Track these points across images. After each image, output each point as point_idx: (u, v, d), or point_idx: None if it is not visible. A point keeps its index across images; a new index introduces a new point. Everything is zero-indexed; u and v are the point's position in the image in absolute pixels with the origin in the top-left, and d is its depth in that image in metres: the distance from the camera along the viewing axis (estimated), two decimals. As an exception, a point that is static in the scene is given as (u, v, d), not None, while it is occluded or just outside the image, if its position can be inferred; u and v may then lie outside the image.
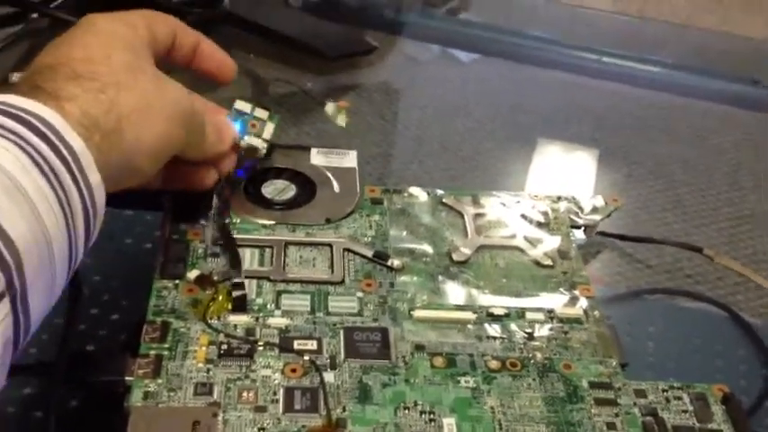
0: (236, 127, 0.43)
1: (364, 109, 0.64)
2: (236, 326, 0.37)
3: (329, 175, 0.47)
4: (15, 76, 0.54)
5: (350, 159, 0.48)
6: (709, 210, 0.56)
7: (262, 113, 0.44)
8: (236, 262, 0.39)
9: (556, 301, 0.41)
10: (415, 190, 0.47)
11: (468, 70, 0.74)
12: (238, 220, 0.43)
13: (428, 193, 0.47)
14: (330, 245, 0.42)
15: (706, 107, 0.70)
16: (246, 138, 0.43)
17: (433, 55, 0.75)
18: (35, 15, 0.62)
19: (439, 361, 0.36)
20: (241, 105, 0.44)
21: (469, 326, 0.39)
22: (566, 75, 0.73)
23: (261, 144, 0.44)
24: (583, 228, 0.47)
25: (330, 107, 0.48)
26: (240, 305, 0.38)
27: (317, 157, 0.48)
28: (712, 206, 0.57)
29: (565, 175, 0.60)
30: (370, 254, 0.42)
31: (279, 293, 0.39)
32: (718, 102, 0.71)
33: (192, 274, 0.39)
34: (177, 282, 0.39)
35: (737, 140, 0.65)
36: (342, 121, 0.48)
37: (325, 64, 0.66)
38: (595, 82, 0.72)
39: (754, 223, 0.55)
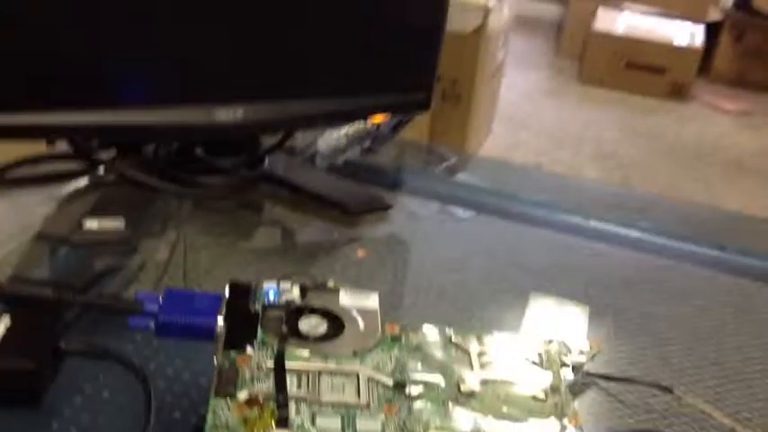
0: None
1: (373, 258, 0.72)
2: (278, 440, 0.44)
3: (355, 314, 0.55)
4: (88, 223, 0.64)
5: (373, 300, 0.56)
6: (693, 368, 0.62)
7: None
8: (282, 386, 0.47)
9: (548, 429, 0.48)
10: (428, 328, 0.55)
11: (464, 226, 0.81)
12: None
13: (439, 332, 0.55)
14: (357, 374, 0.50)
15: (689, 270, 0.77)
16: None
17: (432, 211, 0.84)
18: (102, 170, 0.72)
19: (450, 474, 0.43)
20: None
21: (475, 447, 0.45)
22: (557, 235, 0.81)
23: None
24: (571, 366, 0.54)
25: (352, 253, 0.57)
26: (283, 423, 0.45)
27: (345, 298, 0.56)
28: (697, 364, 0.62)
29: (556, 326, 0.66)
30: (390, 383, 0.49)
31: (314, 414, 0.46)
32: (699, 266, 0.77)
33: (242, 395, 0.46)
34: (230, 401, 0.46)
35: (722, 302, 0.71)
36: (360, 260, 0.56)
37: (346, 217, 0.76)
38: (585, 242, 0.80)
39: (737, 383, 0.60)
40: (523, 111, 2.85)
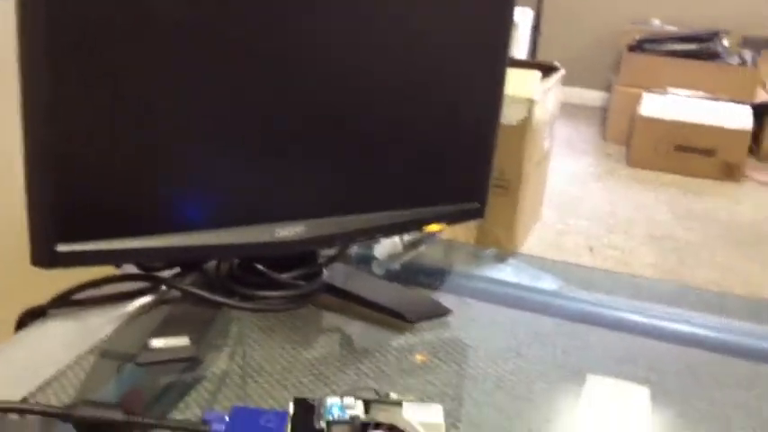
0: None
1: (433, 362, 0.72)
2: None
3: (420, 429, 0.54)
4: (154, 342, 0.65)
5: (436, 413, 0.56)
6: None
7: None
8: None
9: None
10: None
11: (519, 321, 0.81)
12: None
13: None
14: (425, 494, 0.49)
15: (755, 368, 0.75)
16: None
17: (488, 312, 0.83)
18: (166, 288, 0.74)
19: None
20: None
21: None
22: (617, 333, 0.80)
23: None
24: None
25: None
26: None
27: (409, 411, 0.56)
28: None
29: (617, 416, 0.65)
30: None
31: None
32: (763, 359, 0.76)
33: None
34: None
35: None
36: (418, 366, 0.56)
37: (405, 324, 0.76)
38: (642, 339, 0.79)
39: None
40: (572, 196, 2.85)
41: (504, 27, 0.75)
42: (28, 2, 0.56)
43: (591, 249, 2.44)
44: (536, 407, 0.65)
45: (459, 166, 0.76)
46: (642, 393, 0.66)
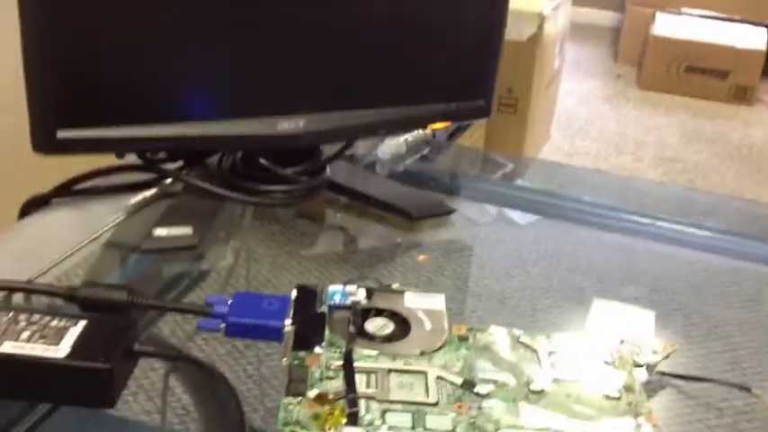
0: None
1: (434, 263, 0.72)
2: (349, 437, 0.44)
3: (421, 315, 0.55)
4: (158, 231, 0.65)
5: (439, 301, 0.56)
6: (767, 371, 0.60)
7: None
8: (351, 384, 0.47)
9: (623, 427, 0.47)
10: (495, 329, 0.54)
11: (524, 231, 0.81)
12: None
13: (507, 332, 0.54)
14: (425, 373, 0.49)
15: (759, 271, 0.75)
16: None
17: (492, 216, 0.83)
18: (170, 180, 0.73)
19: (523, 472, 0.42)
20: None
21: (548, 445, 0.45)
22: (620, 237, 0.80)
23: None
24: (645, 366, 0.53)
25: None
26: (353, 419, 0.45)
27: (411, 299, 0.56)
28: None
29: (622, 333, 0.65)
30: (459, 381, 0.49)
31: (384, 412, 0.46)
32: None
33: (312, 393, 0.46)
34: (300, 399, 0.46)
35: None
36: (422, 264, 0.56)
37: (407, 223, 0.76)
38: (649, 245, 0.79)
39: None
40: (582, 117, 2.82)
41: None
42: None
43: (599, 171, 2.42)
44: (538, 320, 0.65)
45: (465, 61, 0.75)
46: (648, 317, 0.66)
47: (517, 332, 0.54)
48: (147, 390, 0.53)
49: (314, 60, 0.69)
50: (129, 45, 0.62)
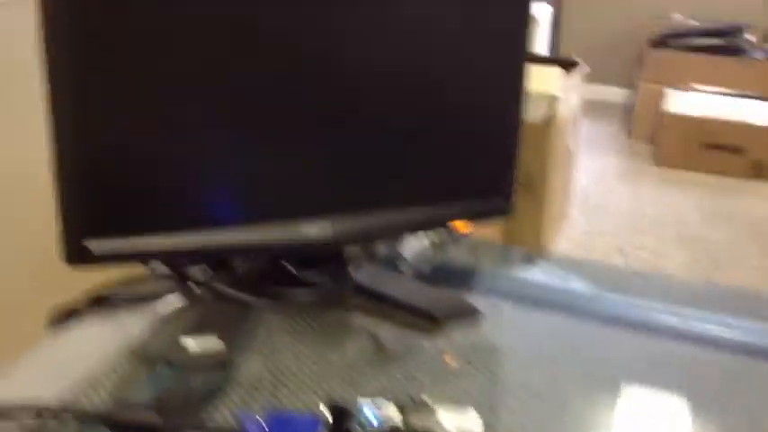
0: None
1: (464, 364, 0.71)
2: None
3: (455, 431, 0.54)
4: (186, 342, 0.65)
5: (473, 420, 0.55)
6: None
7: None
8: None
9: None
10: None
11: (549, 327, 0.79)
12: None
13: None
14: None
15: None
16: None
17: (519, 312, 0.82)
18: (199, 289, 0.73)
19: None
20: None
21: None
22: (647, 332, 0.78)
23: None
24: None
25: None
26: None
27: (445, 418, 0.55)
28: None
29: (656, 424, 0.64)
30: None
31: None
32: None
33: None
34: None
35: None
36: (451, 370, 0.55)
37: (434, 324, 0.75)
38: (679, 341, 0.77)
39: None
40: (599, 195, 2.82)
41: (522, 21, 0.74)
42: (51, 10, 0.57)
43: (621, 251, 2.41)
44: (572, 416, 0.64)
45: (484, 162, 0.75)
46: (678, 403, 0.65)
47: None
48: None
49: (337, 164, 0.70)
50: (156, 155, 0.63)
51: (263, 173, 0.67)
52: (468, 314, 0.77)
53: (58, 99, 0.59)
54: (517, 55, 0.74)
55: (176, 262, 0.72)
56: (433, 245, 0.89)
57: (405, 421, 0.53)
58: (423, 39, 0.70)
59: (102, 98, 0.60)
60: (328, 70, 0.67)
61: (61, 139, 0.59)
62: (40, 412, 0.53)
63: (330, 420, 0.53)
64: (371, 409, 0.54)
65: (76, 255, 0.62)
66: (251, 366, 0.67)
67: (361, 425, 0.53)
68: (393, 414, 0.54)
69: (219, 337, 0.67)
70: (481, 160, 0.76)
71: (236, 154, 0.66)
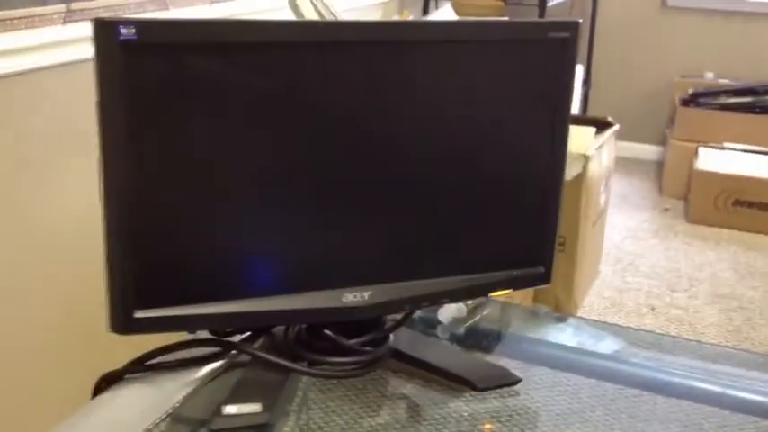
0: None
1: (503, 428, 0.71)
2: None
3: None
4: (227, 408, 0.66)
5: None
6: None
7: None
8: None
9: None
10: None
11: (585, 387, 0.79)
12: None
13: None
14: None
15: None
16: None
17: (555, 378, 0.82)
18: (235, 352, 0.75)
19: None
20: None
21: None
22: (677, 399, 0.78)
23: None
24: None
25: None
26: None
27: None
28: None
29: None
30: None
31: None
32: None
33: None
34: None
35: None
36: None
37: (472, 390, 0.75)
38: (709, 407, 0.76)
39: None
40: (631, 253, 2.80)
41: (566, 88, 0.75)
42: (107, 81, 0.59)
43: (653, 309, 2.38)
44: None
45: (524, 230, 0.77)
46: None
47: None
48: None
49: (379, 233, 0.71)
50: (203, 227, 0.65)
51: (308, 244, 0.69)
52: (508, 383, 0.77)
53: (111, 168, 0.61)
54: (559, 123, 0.76)
55: (220, 329, 0.73)
56: (469, 310, 0.90)
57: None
58: (463, 108, 0.72)
59: (154, 168, 0.62)
60: (375, 143, 0.69)
61: (113, 209, 0.62)
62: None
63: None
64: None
65: (125, 324, 0.63)
66: (291, 430, 0.68)
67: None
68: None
69: (260, 403, 0.68)
70: (521, 230, 0.77)
71: (279, 227, 0.68)
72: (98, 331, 0.64)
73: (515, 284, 0.78)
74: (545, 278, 0.78)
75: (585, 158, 2.16)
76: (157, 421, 0.66)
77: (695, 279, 2.63)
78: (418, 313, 0.89)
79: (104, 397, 0.70)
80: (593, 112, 3.69)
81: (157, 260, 0.64)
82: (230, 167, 0.65)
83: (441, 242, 0.74)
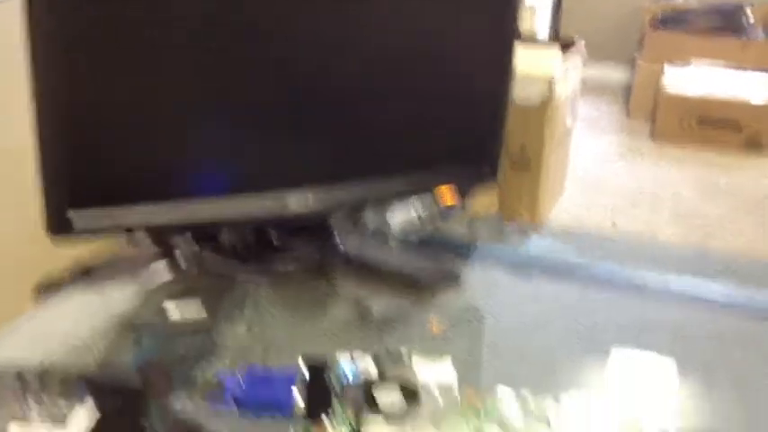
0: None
1: (449, 329, 0.71)
2: None
3: (431, 385, 0.55)
4: (170, 312, 0.66)
5: (448, 370, 0.56)
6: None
7: None
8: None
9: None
10: (504, 392, 0.54)
11: (539, 294, 0.80)
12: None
13: (516, 397, 0.54)
14: (435, 445, 0.49)
15: None
16: None
17: (507, 280, 0.83)
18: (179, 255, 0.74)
19: None
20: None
21: None
22: (638, 297, 0.79)
23: None
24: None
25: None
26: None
27: (420, 368, 0.56)
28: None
29: (642, 387, 0.65)
30: (469, 453, 0.49)
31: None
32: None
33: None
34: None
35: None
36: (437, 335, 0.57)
37: (419, 291, 0.76)
38: (668, 304, 0.77)
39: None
40: (596, 173, 2.82)
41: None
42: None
43: (614, 224, 2.41)
44: (556, 376, 0.64)
45: (469, 128, 0.76)
46: (668, 365, 0.65)
47: (525, 393, 0.54)
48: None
49: (321, 135, 0.71)
50: (140, 124, 0.64)
51: (247, 144, 0.68)
52: (452, 280, 0.78)
53: (40, 68, 0.59)
54: (505, 19, 0.74)
55: (160, 233, 0.72)
56: (420, 216, 0.90)
57: (379, 372, 0.54)
58: (406, 8, 0.70)
59: (85, 67, 0.61)
60: (313, 41, 0.68)
61: (43, 110, 0.60)
62: (21, 375, 0.54)
63: (306, 374, 0.54)
64: (348, 364, 0.55)
65: (59, 226, 0.63)
66: (235, 334, 0.68)
67: (337, 378, 0.54)
68: (369, 367, 0.54)
69: (204, 307, 0.68)
70: (466, 128, 0.76)
71: (219, 125, 0.67)
72: (43, 238, 0.63)
73: (460, 181, 0.78)
74: (491, 176, 0.77)
75: (551, 81, 2.15)
76: (100, 325, 0.66)
77: (658, 197, 2.66)
78: (370, 223, 0.88)
79: (46, 303, 0.69)
80: (564, 36, 3.65)
81: (90, 160, 0.63)
82: (165, 66, 0.63)
83: (384, 142, 0.73)
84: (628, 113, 3.46)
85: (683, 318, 0.75)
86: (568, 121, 2.40)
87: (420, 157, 0.75)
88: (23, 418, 0.46)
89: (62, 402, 0.49)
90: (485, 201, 1.00)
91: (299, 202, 0.70)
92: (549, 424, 0.52)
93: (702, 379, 0.64)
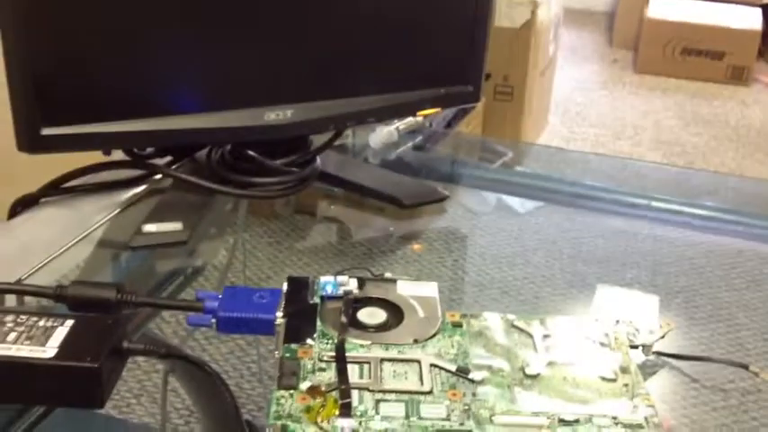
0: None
1: (431, 253, 0.71)
2: (342, 428, 0.43)
3: (414, 302, 0.54)
4: (147, 227, 0.64)
5: (431, 289, 0.55)
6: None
7: None
8: (344, 375, 0.46)
9: (620, 409, 0.46)
10: (489, 315, 0.54)
11: (524, 219, 0.80)
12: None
13: (501, 318, 0.53)
14: (419, 361, 0.49)
15: (761, 250, 0.74)
16: None
17: (490, 203, 0.83)
18: (159, 176, 0.72)
19: (519, 457, 0.42)
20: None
21: (543, 430, 0.44)
22: (621, 221, 0.79)
23: None
24: (640, 347, 0.52)
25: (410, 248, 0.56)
26: (346, 411, 0.44)
27: (403, 287, 0.55)
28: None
29: (624, 316, 0.64)
30: (453, 368, 0.48)
31: (377, 402, 0.45)
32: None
33: (305, 386, 0.46)
34: (292, 392, 0.45)
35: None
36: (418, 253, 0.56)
37: (401, 212, 0.75)
38: (651, 227, 0.77)
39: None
40: (579, 103, 2.81)
41: None
42: None
43: (596, 155, 2.42)
44: (536, 294, 0.64)
45: (452, 47, 0.74)
46: (651, 300, 0.65)
47: (511, 317, 0.54)
48: (150, 392, 0.52)
49: (300, 50, 0.68)
50: (113, 39, 0.61)
51: (224, 60, 0.66)
52: (435, 199, 0.77)
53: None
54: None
55: (137, 150, 0.70)
56: (403, 135, 0.88)
57: (362, 291, 0.54)
58: None
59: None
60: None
61: (12, 27, 0.57)
62: (-4, 292, 0.53)
63: (288, 293, 0.53)
64: (330, 283, 0.54)
65: (33, 142, 0.61)
66: (215, 252, 0.67)
67: (320, 296, 0.53)
68: (352, 286, 0.54)
69: (181, 223, 0.67)
70: (448, 46, 0.74)
71: (195, 40, 0.64)
72: (14, 151, 0.61)
73: (443, 103, 0.76)
74: (474, 97, 0.76)
75: (533, 4, 2.11)
76: (75, 242, 0.65)
77: (640, 127, 2.66)
78: (350, 141, 0.87)
79: (19, 219, 0.68)
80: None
81: (65, 75, 0.60)
82: (135, -26, 0.61)
83: (365, 59, 0.71)
84: (611, 42, 3.43)
85: (667, 245, 0.75)
86: (551, 49, 2.38)
87: (401, 76, 0.73)
88: (2, 340, 0.45)
89: (41, 323, 0.48)
90: (468, 131, 0.98)
91: (277, 116, 0.68)
92: (533, 341, 0.51)
93: (684, 310, 0.64)
